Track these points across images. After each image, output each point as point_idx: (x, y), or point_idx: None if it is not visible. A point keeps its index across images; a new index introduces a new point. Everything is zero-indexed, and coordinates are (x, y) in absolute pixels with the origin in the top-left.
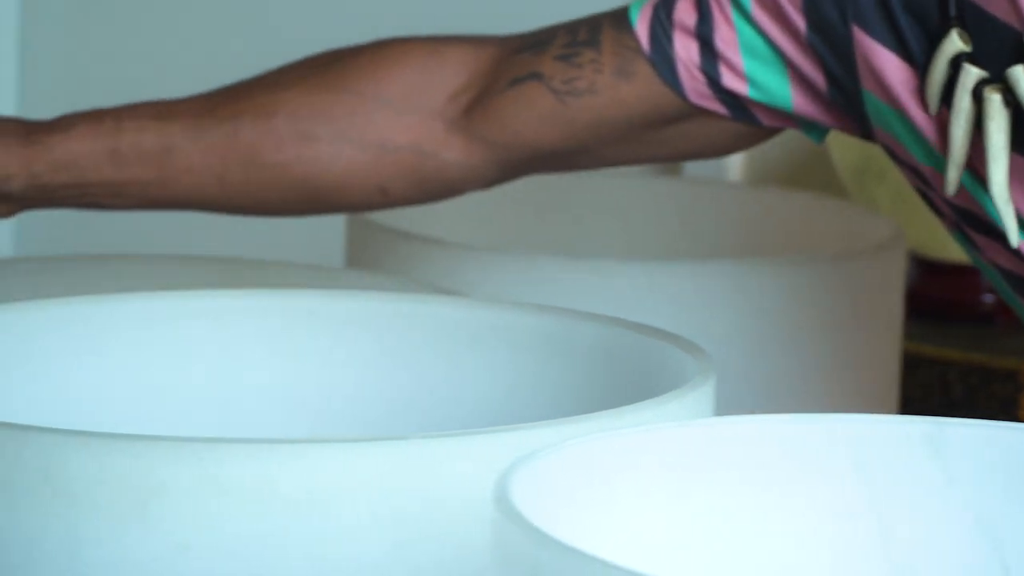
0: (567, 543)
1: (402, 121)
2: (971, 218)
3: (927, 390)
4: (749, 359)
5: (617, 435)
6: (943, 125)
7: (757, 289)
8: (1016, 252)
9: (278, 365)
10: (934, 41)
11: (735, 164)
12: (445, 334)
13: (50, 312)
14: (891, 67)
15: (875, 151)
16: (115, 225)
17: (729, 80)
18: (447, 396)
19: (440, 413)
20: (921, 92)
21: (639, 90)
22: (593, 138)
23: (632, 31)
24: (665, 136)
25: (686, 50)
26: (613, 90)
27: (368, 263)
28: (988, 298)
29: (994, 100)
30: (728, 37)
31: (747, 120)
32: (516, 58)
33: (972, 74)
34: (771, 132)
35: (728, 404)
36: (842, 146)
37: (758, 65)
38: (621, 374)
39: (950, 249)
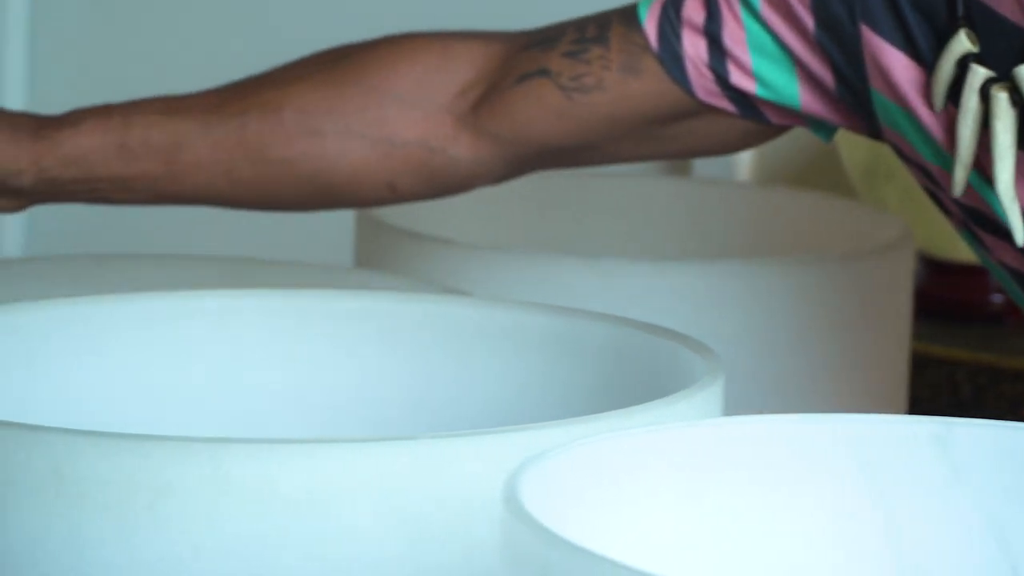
0: (577, 543)
1: (410, 117)
2: (979, 217)
3: (935, 390)
4: (758, 359)
5: (626, 435)
6: (950, 124)
7: (765, 289)
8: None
9: (287, 365)
10: (942, 40)
11: (744, 164)
12: (454, 334)
13: (51, 312)
14: (899, 66)
15: (884, 151)
16: (124, 225)
17: (737, 78)
18: (456, 396)
19: (449, 413)
20: (928, 91)
21: (647, 87)
22: (601, 134)
23: (641, 28)
24: (673, 133)
25: (694, 47)
26: (621, 87)
27: (377, 263)
28: (997, 298)
29: (1001, 99)
30: (736, 35)
31: (755, 118)
32: (525, 54)
33: (979, 74)
34: (779, 130)
35: (737, 404)
36: (851, 146)
37: (766, 63)
38: (630, 374)
39: (959, 249)
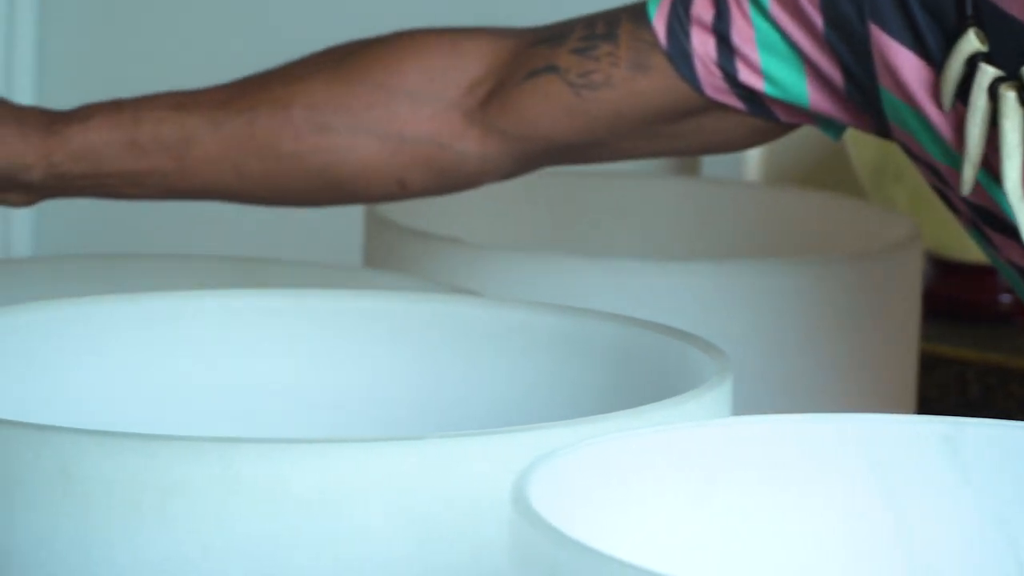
0: (585, 543)
1: (419, 113)
2: (987, 216)
3: (944, 390)
4: (766, 359)
5: (634, 435)
6: (959, 123)
7: (774, 289)
8: None
9: (295, 364)
10: (950, 39)
11: (752, 164)
12: (462, 334)
13: (51, 312)
14: (908, 65)
15: (893, 151)
16: (131, 225)
17: (746, 76)
18: (464, 395)
19: (457, 413)
20: (937, 90)
21: (655, 84)
22: (609, 131)
23: (650, 26)
24: (681, 130)
25: (703, 45)
26: (629, 83)
27: (385, 262)
28: (1005, 298)
29: (1009, 98)
30: (745, 33)
31: (764, 115)
32: (533, 51)
33: (988, 73)
34: (788, 127)
35: (745, 404)
36: (860, 146)
37: (775, 61)
38: (639, 374)
39: (968, 249)
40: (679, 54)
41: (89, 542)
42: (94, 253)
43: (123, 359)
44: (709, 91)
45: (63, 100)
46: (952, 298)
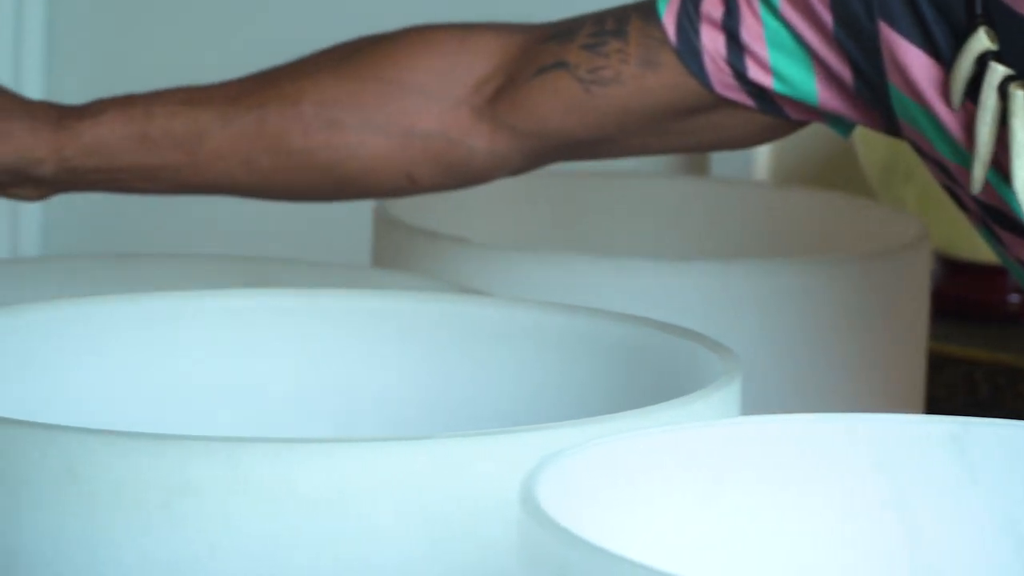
0: (595, 543)
1: (429, 108)
2: (997, 214)
3: (952, 390)
4: (775, 359)
5: (643, 435)
6: (968, 122)
7: (782, 289)
8: None
9: (303, 364)
10: (960, 37)
11: (761, 163)
12: (471, 333)
13: (53, 313)
14: (917, 63)
15: (902, 150)
16: (140, 225)
17: (755, 73)
18: (473, 395)
19: (466, 413)
20: (946, 88)
21: (665, 80)
22: (618, 127)
23: (659, 22)
24: (691, 126)
25: (712, 42)
26: (639, 80)
27: (394, 262)
28: (1014, 298)
29: (1019, 97)
30: (754, 30)
31: (773, 112)
32: (543, 47)
33: (998, 72)
34: (798, 124)
35: (754, 404)
36: (869, 145)
37: (784, 58)
38: (647, 373)
39: (977, 249)
40: (688, 51)
41: (96, 541)
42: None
43: (125, 359)
44: (718, 88)
45: (71, 96)
46: (961, 298)
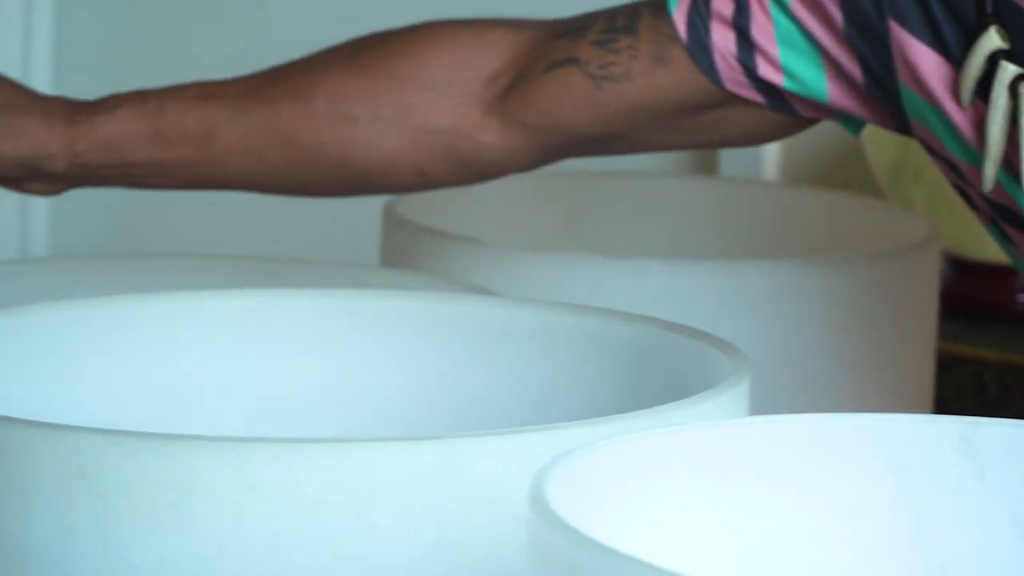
0: (604, 543)
1: (440, 104)
2: (1007, 213)
3: (961, 390)
4: (783, 359)
5: (652, 435)
6: (979, 120)
7: (791, 289)
8: None
9: (312, 364)
10: (970, 36)
11: (770, 163)
12: (480, 333)
13: (55, 313)
14: (927, 62)
15: (912, 150)
16: (149, 224)
17: (765, 70)
18: (482, 395)
19: (474, 412)
20: (956, 87)
21: (675, 77)
22: (629, 124)
23: (670, 19)
24: (701, 123)
25: (723, 40)
26: (649, 77)
27: (403, 262)
28: (1023, 298)
29: None
30: (765, 28)
31: (783, 110)
32: (554, 43)
33: (1009, 71)
34: (808, 122)
35: (762, 404)
36: (878, 145)
37: (794, 56)
38: (656, 373)
39: (986, 249)
40: (699, 48)
41: (105, 541)
42: (110, 252)
43: (129, 359)
44: (728, 85)
45: (80, 91)
46: (970, 298)
